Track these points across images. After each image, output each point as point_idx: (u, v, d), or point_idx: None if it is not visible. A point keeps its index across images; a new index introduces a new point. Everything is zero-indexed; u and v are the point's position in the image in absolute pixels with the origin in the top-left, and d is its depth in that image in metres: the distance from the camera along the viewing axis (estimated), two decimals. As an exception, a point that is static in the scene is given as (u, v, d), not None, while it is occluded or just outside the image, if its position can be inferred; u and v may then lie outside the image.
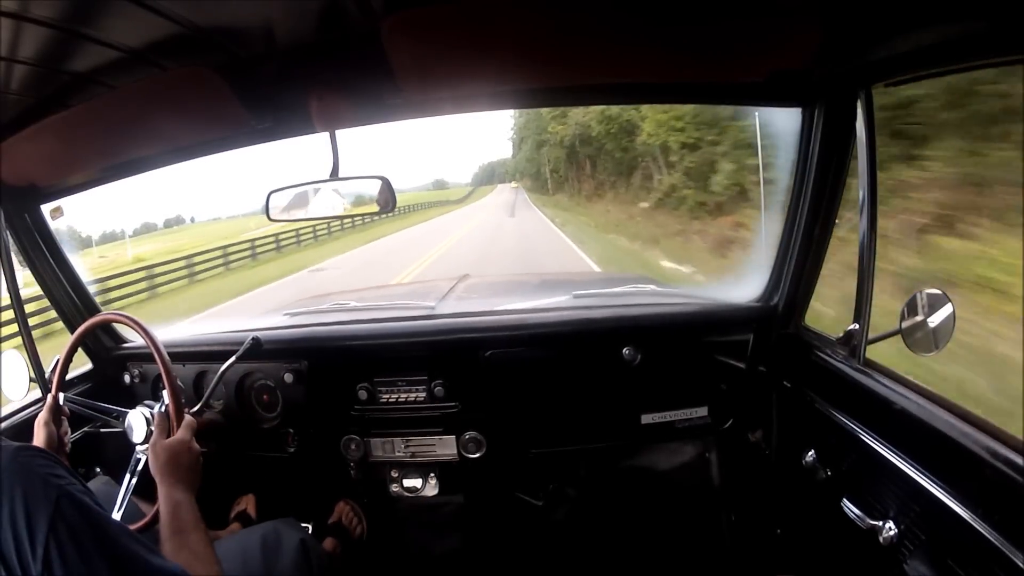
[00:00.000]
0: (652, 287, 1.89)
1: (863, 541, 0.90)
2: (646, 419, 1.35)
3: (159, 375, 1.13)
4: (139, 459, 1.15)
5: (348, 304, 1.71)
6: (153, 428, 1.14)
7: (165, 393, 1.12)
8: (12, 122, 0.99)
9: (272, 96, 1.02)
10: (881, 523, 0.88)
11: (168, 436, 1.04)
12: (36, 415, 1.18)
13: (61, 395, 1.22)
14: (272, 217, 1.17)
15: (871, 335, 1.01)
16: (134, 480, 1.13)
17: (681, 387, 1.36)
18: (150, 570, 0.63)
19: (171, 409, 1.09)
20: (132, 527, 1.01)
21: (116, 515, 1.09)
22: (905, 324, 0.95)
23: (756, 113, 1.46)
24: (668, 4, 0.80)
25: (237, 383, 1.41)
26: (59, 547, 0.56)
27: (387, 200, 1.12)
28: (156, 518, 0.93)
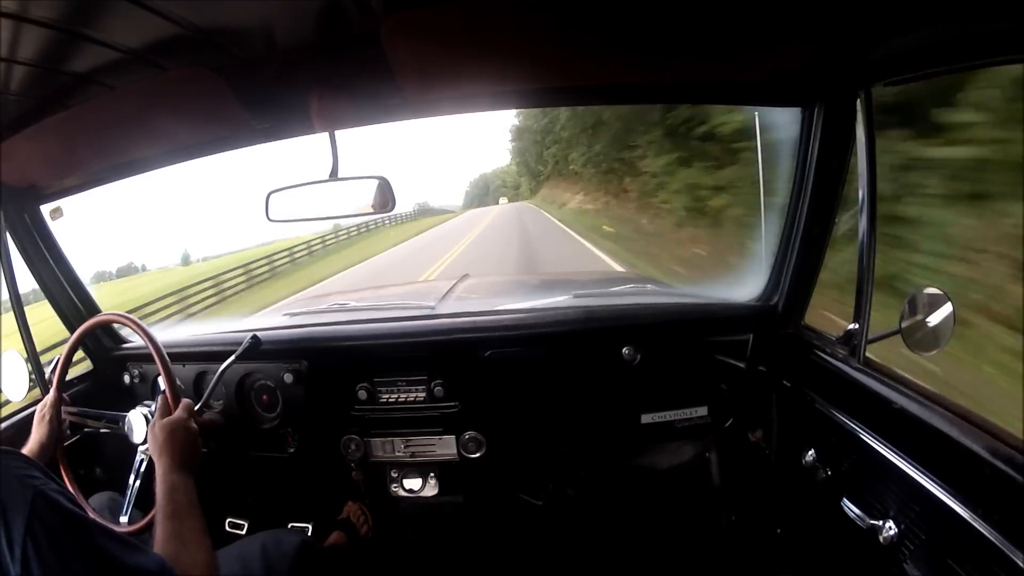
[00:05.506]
0: (652, 287, 1.89)
1: (863, 541, 0.90)
2: (646, 419, 1.35)
3: (159, 375, 1.13)
4: (142, 459, 1.15)
5: (348, 304, 1.71)
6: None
7: (161, 379, 1.12)
8: (12, 122, 0.99)
9: (272, 96, 1.02)
10: (881, 523, 0.88)
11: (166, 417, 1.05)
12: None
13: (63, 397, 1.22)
14: (271, 218, 1.17)
15: (871, 335, 1.02)
16: (138, 482, 1.13)
17: (681, 387, 1.36)
18: (127, 568, 0.63)
19: (168, 393, 1.09)
20: (133, 527, 1.01)
21: (124, 519, 1.10)
22: (905, 324, 0.95)
23: (756, 113, 1.46)
24: (668, 4, 0.81)
25: (237, 383, 1.41)
26: (36, 547, 0.56)
27: (385, 200, 1.12)
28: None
